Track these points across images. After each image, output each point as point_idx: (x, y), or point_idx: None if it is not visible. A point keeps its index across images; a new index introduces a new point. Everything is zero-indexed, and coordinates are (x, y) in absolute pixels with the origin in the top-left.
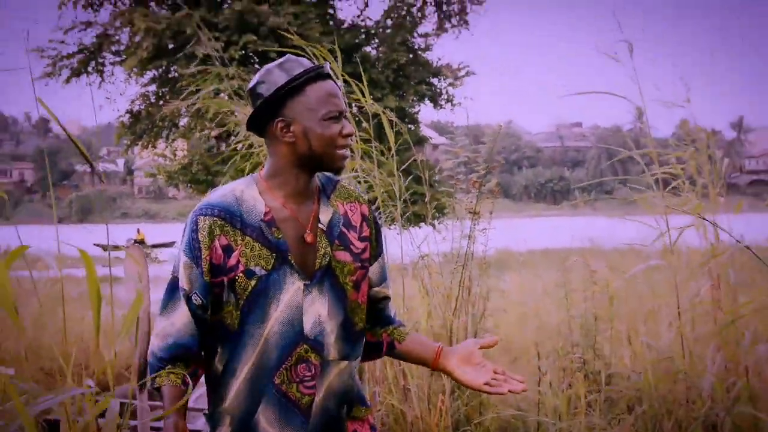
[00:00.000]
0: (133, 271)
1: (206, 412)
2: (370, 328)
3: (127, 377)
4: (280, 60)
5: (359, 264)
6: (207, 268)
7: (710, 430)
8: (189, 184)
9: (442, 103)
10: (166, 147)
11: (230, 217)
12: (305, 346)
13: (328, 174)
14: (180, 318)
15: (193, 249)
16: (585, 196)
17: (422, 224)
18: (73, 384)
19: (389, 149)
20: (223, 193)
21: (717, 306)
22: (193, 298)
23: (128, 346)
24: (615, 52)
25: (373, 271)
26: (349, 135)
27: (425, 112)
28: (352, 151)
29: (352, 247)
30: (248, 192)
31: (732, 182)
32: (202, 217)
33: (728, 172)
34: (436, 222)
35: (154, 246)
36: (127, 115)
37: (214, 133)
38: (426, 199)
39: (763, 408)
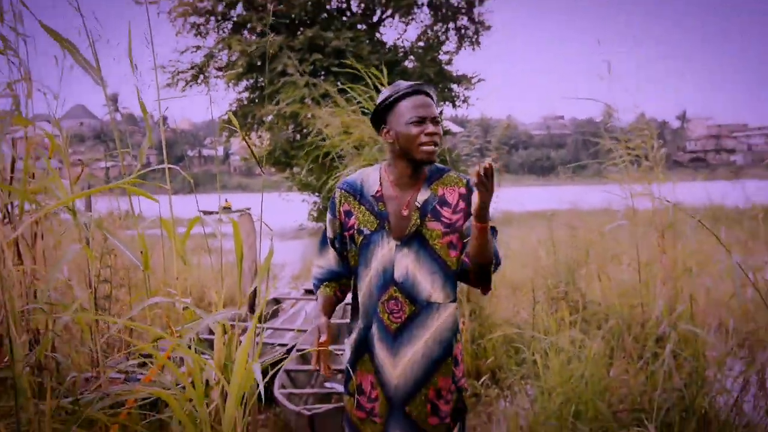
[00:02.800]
0: (246, 230)
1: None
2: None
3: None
4: (393, 84)
5: (450, 230)
6: (339, 223)
7: (659, 342)
8: (272, 165)
9: (459, 103)
10: (256, 137)
11: (353, 191)
12: (394, 287)
13: (440, 166)
14: (329, 255)
15: (333, 210)
16: (566, 171)
17: None
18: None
19: None
20: (358, 173)
21: (662, 251)
22: (336, 242)
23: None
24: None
25: (466, 227)
26: (431, 134)
27: (446, 110)
28: (436, 145)
29: (443, 219)
30: (373, 174)
31: (677, 159)
32: (337, 190)
33: (673, 152)
34: None
35: (235, 211)
36: (226, 114)
37: (290, 127)
38: None
39: (698, 324)
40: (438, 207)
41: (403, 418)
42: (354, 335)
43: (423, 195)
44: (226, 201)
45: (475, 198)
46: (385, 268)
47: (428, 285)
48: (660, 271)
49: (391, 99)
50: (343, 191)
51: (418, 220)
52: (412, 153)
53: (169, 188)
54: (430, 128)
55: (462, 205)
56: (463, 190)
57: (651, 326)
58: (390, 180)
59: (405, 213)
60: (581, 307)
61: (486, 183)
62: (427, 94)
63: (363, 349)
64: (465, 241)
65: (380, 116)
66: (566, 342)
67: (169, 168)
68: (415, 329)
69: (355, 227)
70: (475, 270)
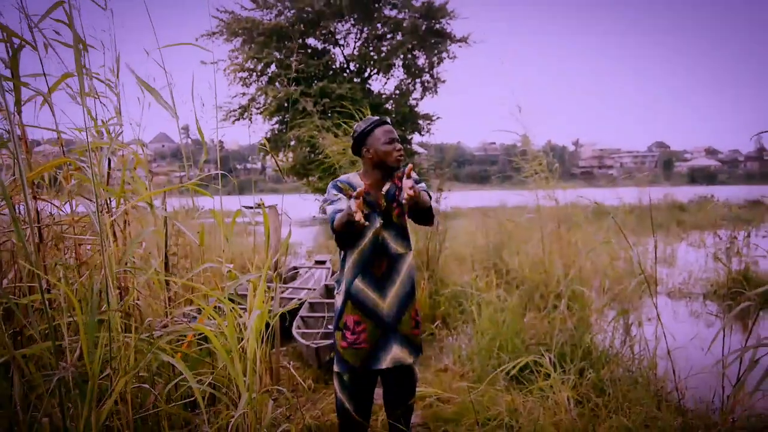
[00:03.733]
0: (273, 220)
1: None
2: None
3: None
4: (365, 119)
5: (402, 208)
6: (340, 193)
7: (558, 298)
8: (294, 175)
9: (424, 133)
10: (283, 156)
11: (348, 183)
12: (378, 249)
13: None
14: (338, 204)
15: (338, 189)
16: (497, 180)
17: None
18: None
19: None
20: (344, 176)
21: (559, 236)
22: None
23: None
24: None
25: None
26: (399, 150)
27: (415, 137)
28: (402, 157)
29: (396, 198)
30: (354, 178)
31: (572, 173)
32: (339, 182)
33: (570, 168)
34: None
35: (266, 206)
36: (263, 139)
37: (306, 149)
38: None
39: (584, 285)
40: (395, 193)
41: (398, 335)
42: (343, 287)
43: (386, 187)
44: (261, 200)
45: (405, 196)
46: (375, 237)
47: (393, 243)
48: (558, 250)
49: (370, 127)
50: (344, 183)
51: (385, 203)
52: (387, 163)
53: (220, 188)
54: (399, 146)
55: (406, 182)
56: (404, 170)
57: (552, 287)
58: (367, 183)
59: (381, 201)
60: (505, 274)
61: (411, 204)
62: (390, 124)
63: (347, 297)
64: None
65: (361, 140)
66: (494, 298)
67: (221, 175)
68: (393, 273)
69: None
70: (418, 213)
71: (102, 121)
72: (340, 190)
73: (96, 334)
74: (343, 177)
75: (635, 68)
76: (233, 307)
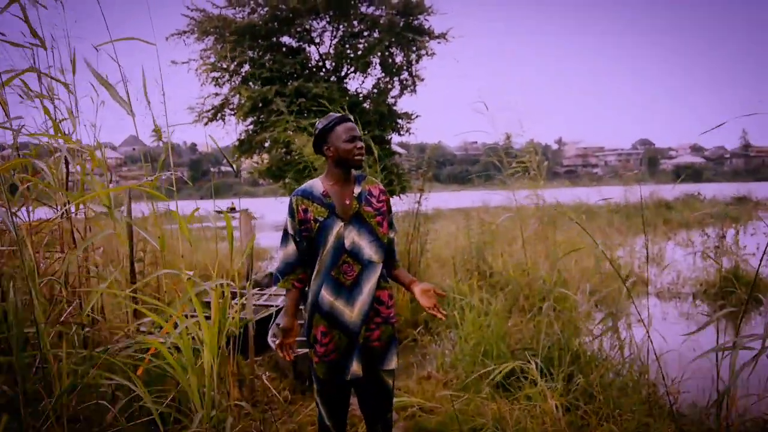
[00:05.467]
0: (245, 224)
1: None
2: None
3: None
4: (326, 116)
5: (378, 213)
6: (298, 221)
7: (543, 300)
8: (270, 177)
9: (403, 132)
10: (259, 158)
11: (305, 194)
12: (346, 254)
13: (361, 174)
14: (288, 248)
15: (292, 213)
16: (479, 180)
17: (393, 196)
18: (216, 279)
19: (375, 160)
20: (305, 185)
21: (543, 236)
22: (296, 237)
23: (244, 262)
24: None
25: (387, 219)
26: (360, 148)
27: (394, 137)
28: (363, 155)
29: (373, 204)
30: (316, 183)
31: (556, 171)
32: (293, 198)
33: (552, 167)
34: (400, 195)
35: (236, 211)
36: (238, 141)
37: (282, 150)
38: (394, 183)
39: (570, 288)
40: (368, 197)
41: (361, 343)
42: (309, 300)
43: (357, 189)
44: (232, 204)
45: (421, 297)
46: (338, 241)
47: (368, 250)
48: (542, 251)
49: (331, 124)
50: (297, 197)
51: (357, 205)
52: (348, 161)
53: (175, 190)
54: (360, 144)
55: (383, 197)
56: (381, 187)
57: (537, 290)
58: (330, 184)
59: (347, 202)
60: (488, 276)
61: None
62: (352, 121)
63: (315, 309)
64: (390, 236)
65: (322, 138)
66: (477, 301)
67: (194, 177)
68: (363, 282)
69: (312, 218)
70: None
71: (62, 119)
72: (292, 212)
73: (46, 350)
74: (305, 185)
75: (632, 68)
76: (197, 317)
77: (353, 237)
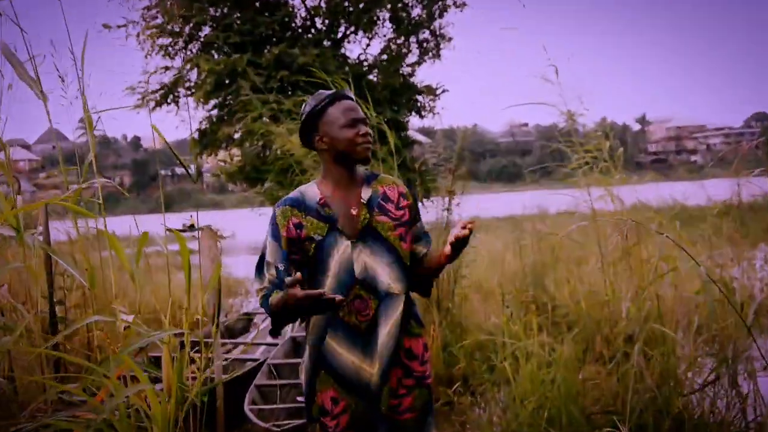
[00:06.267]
0: (207, 247)
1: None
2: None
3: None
4: (315, 94)
5: (398, 223)
6: (285, 241)
7: (629, 342)
8: (243, 181)
9: (425, 114)
10: (227, 154)
11: (297, 204)
12: (357, 286)
13: (372, 171)
14: (265, 285)
15: (276, 231)
16: (532, 176)
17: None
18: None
19: (390, 151)
20: (294, 192)
21: (626, 251)
22: (280, 267)
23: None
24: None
25: (415, 231)
26: (365, 134)
27: (413, 120)
28: (371, 145)
29: (390, 213)
30: (310, 189)
31: (639, 161)
32: (279, 208)
33: (635, 154)
34: (423, 200)
35: (199, 228)
36: (197, 133)
37: (258, 144)
38: (416, 183)
39: (667, 323)
40: (383, 202)
41: (385, 412)
42: (306, 356)
43: (366, 193)
44: (190, 219)
45: (447, 247)
46: (345, 268)
47: (386, 276)
48: (625, 271)
49: (321, 106)
50: (286, 207)
51: (368, 215)
52: (351, 154)
53: (101, 203)
54: (363, 129)
55: (404, 202)
56: (402, 189)
57: (620, 326)
58: (328, 188)
59: (354, 211)
60: (550, 310)
61: (459, 247)
62: (352, 99)
63: (319, 365)
64: (414, 245)
65: (311, 125)
66: (536, 346)
67: (137, 184)
68: (382, 322)
69: (306, 236)
70: (424, 281)
71: None
72: (277, 228)
73: None
74: (294, 193)
75: (632, 68)
76: (118, 386)
77: (365, 260)
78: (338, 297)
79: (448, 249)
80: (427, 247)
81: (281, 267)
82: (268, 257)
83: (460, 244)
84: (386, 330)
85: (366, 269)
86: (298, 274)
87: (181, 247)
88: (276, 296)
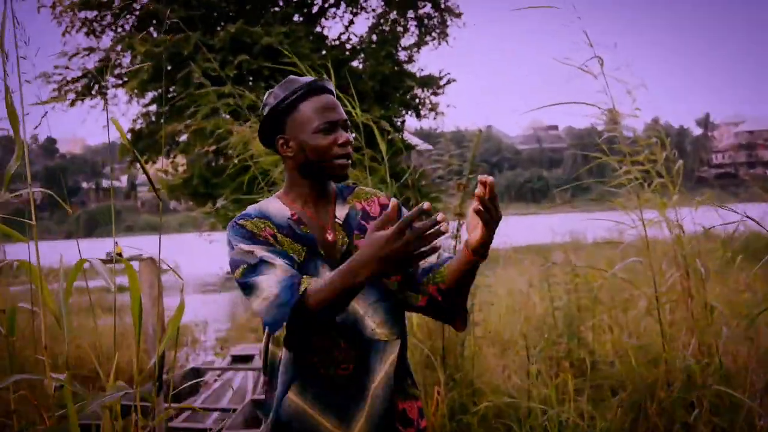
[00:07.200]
0: (148, 284)
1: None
2: (417, 291)
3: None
4: (284, 81)
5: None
6: (270, 240)
7: (689, 410)
8: (189, 197)
9: (425, 112)
10: (169, 163)
11: (264, 217)
12: (334, 330)
13: (346, 184)
14: (274, 275)
15: (251, 237)
16: (563, 194)
17: None
18: (112, 387)
19: (379, 157)
20: (250, 208)
21: (687, 294)
22: (279, 254)
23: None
24: (586, 65)
25: None
26: (345, 143)
27: (409, 120)
28: (352, 158)
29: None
30: (272, 204)
31: (701, 176)
32: (244, 220)
33: (696, 166)
34: None
35: (131, 258)
36: (130, 134)
37: (211, 148)
38: (411, 203)
39: (738, 386)
40: (363, 222)
41: None
42: (270, 412)
43: (342, 211)
44: (116, 245)
45: (474, 230)
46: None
47: (373, 318)
48: (686, 319)
49: (290, 99)
50: (253, 219)
51: (346, 239)
52: (322, 168)
53: (34, 224)
54: (344, 136)
55: None
56: (383, 200)
57: (679, 389)
58: (298, 204)
59: (329, 236)
60: (589, 368)
61: (492, 207)
62: (332, 93)
63: (276, 430)
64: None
65: (275, 124)
66: (572, 415)
67: (52, 201)
68: (367, 378)
69: None
70: (453, 303)
71: None
72: (253, 236)
73: None
74: (250, 209)
75: (633, 68)
76: None
77: (355, 300)
78: (440, 215)
79: (476, 235)
80: (437, 255)
81: (282, 259)
82: (258, 252)
83: (490, 212)
84: (373, 388)
85: (346, 310)
86: (394, 200)
87: (131, 281)
88: (326, 277)
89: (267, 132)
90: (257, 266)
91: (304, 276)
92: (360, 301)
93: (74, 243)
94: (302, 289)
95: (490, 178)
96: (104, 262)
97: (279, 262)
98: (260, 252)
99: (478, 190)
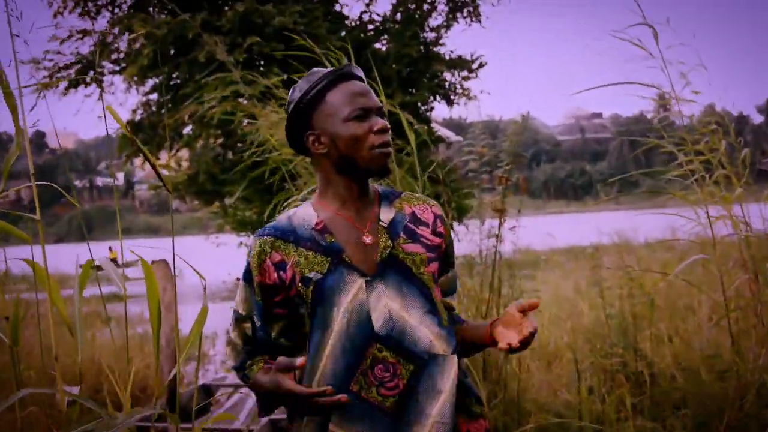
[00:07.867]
0: (159, 287)
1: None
2: None
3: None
4: (308, 74)
5: (434, 255)
6: (258, 290)
7: (764, 430)
8: (195, 196)
9: (455, 98)
10: (170, 158)
11: (281, 233)
12: (378, 344)
13: (390, 188)
14: (243, 345)
15: (248, 273)
16: (608, 189)
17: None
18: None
19: (408, 148)
20: (279, 218)
21: (757, 299)
22: (258, 322)
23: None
24: (638, 39)
25: (443, 280)
26: (382, 130)
27: (438, 109)
28: (392, 149)
29: (423, 239)
30: (302, 211)
31: (762, 168)
32: (256, 239)
33: (756, 157)
34: (455, 223)
35: (126, 264)
36: (128, 125)
37: (218, 141)
38: (442, 200)
39: None
40: (412, 225)
41: None
42: None
43: (386, 214)
44: (111, 250)
45: (507, 337)
46: (357, 319)
47: (425, 330)
48: (756, 327)
49: (314, 92)
50: (265, 238)
51: (390, 242)
52: (360, 160)
53: (38, 218)
54: (380, 123)
55: (440, 227)
56: (437, 210)
57: (751, 406)
58: (330, 209)
59: (368, 239)
60: (648, 382)
61: (526, 344)
62: (362, 79)
63: None
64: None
65: (302, 120)
66: None
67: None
68: (424, 399)
69: (298, 279)
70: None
71: None
72: (250, 278)
73: None
74: (281, 218)
75: (688, 47)
76: None
77: (389, 306)
78: (343, 396)
79: (510, 343)
80: (453, 302)
81: (258, 323)
82: (240, 307)
83: (527, 339)
84: (435, 409)
85: (392, 319)
86: (300, 359)
87: (149, 284)
88: (258, 371)
89: (294, 131)
90: (240, 317)
91: (259, 358)
92: (411, 310)
93: (64, 247)
94: (249, 372)
95: (537, 303)
96: (116, 265)
97: (254, 331)
98: (246, 309)
99: (529, 325)
